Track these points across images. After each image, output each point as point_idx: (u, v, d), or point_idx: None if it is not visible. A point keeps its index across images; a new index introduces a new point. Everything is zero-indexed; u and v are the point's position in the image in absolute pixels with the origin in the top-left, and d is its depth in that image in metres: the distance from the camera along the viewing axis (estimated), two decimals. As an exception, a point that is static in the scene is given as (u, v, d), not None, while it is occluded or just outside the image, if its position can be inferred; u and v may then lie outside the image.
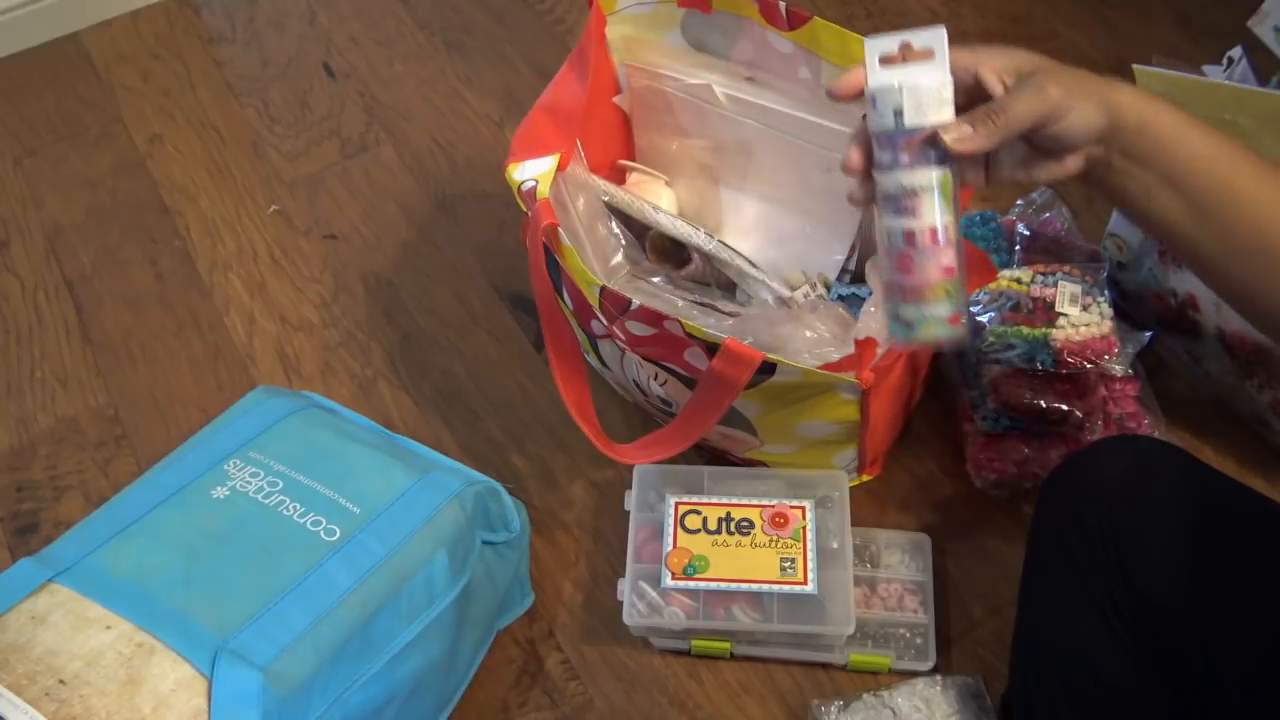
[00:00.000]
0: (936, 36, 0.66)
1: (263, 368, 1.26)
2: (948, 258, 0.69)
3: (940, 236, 0.69)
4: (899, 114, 0.66)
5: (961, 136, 0.65)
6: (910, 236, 0.69)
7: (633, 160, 1.19)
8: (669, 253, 1.12)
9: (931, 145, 0.67)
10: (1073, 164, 0.68)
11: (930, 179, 0.67)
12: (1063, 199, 1.22)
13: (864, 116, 0.69)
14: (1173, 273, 1.10)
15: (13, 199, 1.43)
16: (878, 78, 0.67)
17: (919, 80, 0.66)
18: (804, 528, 0.97)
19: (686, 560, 0.97)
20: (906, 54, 0.67)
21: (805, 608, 0.95)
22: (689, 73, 1.08)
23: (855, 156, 0.70)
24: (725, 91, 1.07)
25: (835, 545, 0.97)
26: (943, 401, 1.14)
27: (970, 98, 0.67)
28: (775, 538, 0.97)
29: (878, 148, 0.68)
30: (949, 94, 0.66)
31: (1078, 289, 1.07)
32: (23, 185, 1.45)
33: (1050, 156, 0.68)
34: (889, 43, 0.68)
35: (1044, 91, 0.64)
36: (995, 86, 0.66)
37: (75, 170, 1.46)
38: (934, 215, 0.68)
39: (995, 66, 0.67)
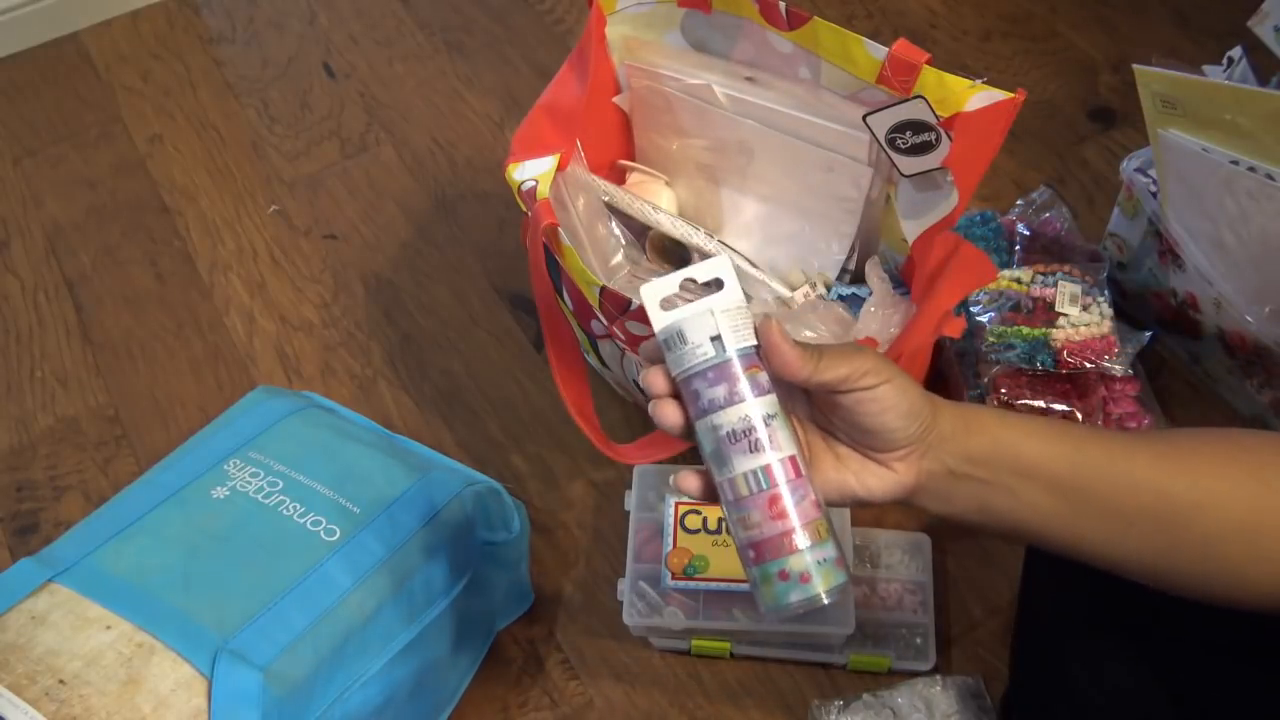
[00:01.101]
0: (721, 265, 0.62)
1: (263, 368, 1.26)
2: (814, 490, 0.62)
3: (801, 466, 0.61)
4: (718, 340, 0.60)
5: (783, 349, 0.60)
6: (771, 472, 0.60)
7: (633, 160, 1.19)
8: (669, 253, 1.12)
9: (762, 367, 0.61)
10: (903, 471, 0.64)
11: (774, 403, 0.61)
12: (1062, 199, 1.22)
13: (663, 363, 0.62)
14: (1173, 273, 1.10)
15: (13, 199, 1.43)
16: (681, 310, 0.60)
17: (731, 300, 0.60)
18: (804, 528, 0.97)
19: (686, 560, 0.97)
20: (690, 290, 0.62)
21: (805, 608, 0.95)
22: (689, 73, 1.08)
23: (672, 412, 0.62)
24: (725, 91, 1.07)
25: (835, 545, 0.97)
26: (943, 401, 1.14)
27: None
28: (775, 538, 0.97)
29: (703, 387, 0.60)
30: (750, 318, 0.61)
31: (1078, 289, 1.07)
32: (23, 185, 1.45)
33: (877, 460, 0.64)
34: (668, 284, 0.61)
35: (862, 354, 0.62)
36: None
37: (75, 170, 1.46)
38: (791, 442, 0.61)
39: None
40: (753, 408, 0.60)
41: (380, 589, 0.86)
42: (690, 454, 1.05)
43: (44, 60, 1.59)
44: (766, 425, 0.60)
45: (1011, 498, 0.64)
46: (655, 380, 0.63)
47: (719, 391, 0.60)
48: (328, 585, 0.84)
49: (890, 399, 0.62)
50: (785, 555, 0.60)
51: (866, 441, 0.64)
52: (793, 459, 0.61)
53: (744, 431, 0.60)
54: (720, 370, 0.60)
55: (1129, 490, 0.63)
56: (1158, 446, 0.65)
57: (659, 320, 0.61)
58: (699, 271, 0.62)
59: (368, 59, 1.55)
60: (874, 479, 0.65)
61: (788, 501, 0.60)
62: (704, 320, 0.60)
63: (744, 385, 0.60)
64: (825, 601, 0.60)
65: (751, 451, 0.60)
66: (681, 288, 0.62)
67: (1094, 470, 0.64)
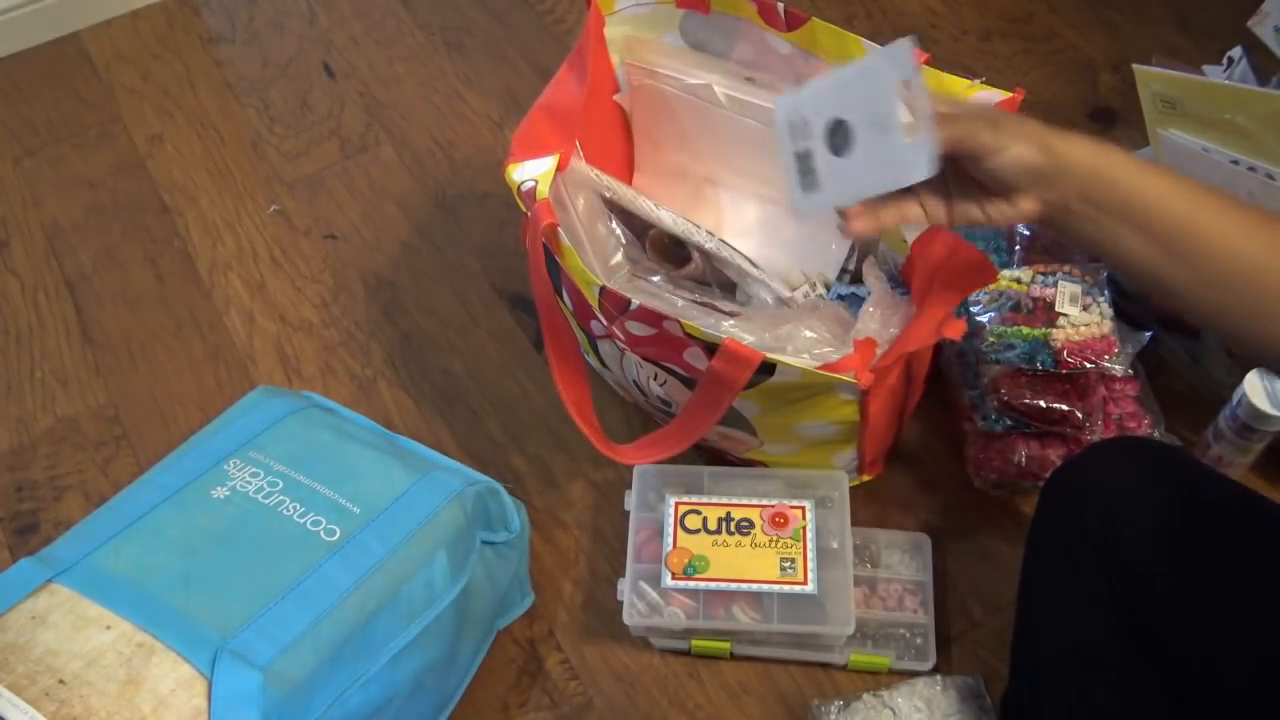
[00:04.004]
0: None
1: (263, 368, 1.26)
2: None
3: None
4: None
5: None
6: None
7: (632, 160, 1.19)
8: (669, 251, 1.12)
9: None
10: (1026, 206, 0.71)
11: None
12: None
13: None
14: (1173, 273, 1.09)
15: (13, 199, 1.43)
16: None
17: None
18: (804, 528, 0.97)
19: (686, 560, 0.97)
20: None
21: (805, 608, 0.95)
22: (689, 73, 1.08)
23: None
24: (725, 91, 1.07)
25: (835, 545, 0.97)
26: (943, 401, 1.14)
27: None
28: (775, 538, 0.97)
29: None
30: None
31: (1078, 289, 1.07)
32: (23, 185, 1.45)
33: (1000, 196, 0.71)
34: None
35: (973, 124, 0.68)
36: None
37: (75, 170, 1.46)
38: None
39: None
40: None
41: (380, 589, 0.86)
42: (691, 454, 1.05)
43: (44, 60, 1.59)
44: None
45: (1115, 241, 0.69)
46: None
47: None
48: (327, 585, 0.84)
49: (1007, 165, 0.68)
50: None
51: (993, 186, 0.71)
52: None
53: None
54: None
55: (1220, 252, 0.68)
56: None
57: None
58: None
59: (368, 59, 1.55)
60: (995, 210, 0.72)
61: None
62: None
63: None
64: None
65: None
66: None
67: (1199, 228, 0.68)
